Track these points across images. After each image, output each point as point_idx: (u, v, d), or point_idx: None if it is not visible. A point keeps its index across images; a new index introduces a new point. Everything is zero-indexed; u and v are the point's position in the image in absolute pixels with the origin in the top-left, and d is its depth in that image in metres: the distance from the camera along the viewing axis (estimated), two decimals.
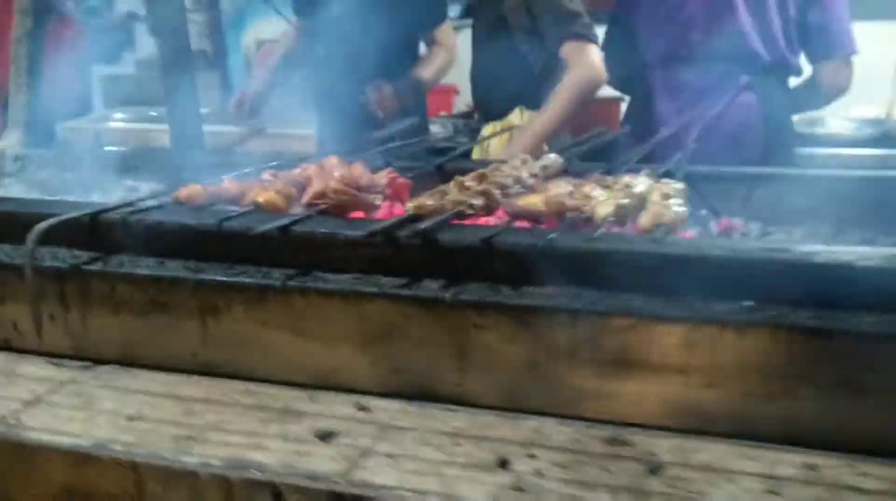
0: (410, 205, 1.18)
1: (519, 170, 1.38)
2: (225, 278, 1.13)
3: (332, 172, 1.37)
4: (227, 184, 1.39)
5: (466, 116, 4.23)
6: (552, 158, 1.49)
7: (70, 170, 1.82)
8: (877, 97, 3.90)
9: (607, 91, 2.67)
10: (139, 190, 1.74)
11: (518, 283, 1.05)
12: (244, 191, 1.34)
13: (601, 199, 1.17)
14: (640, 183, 1.27)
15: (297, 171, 1.48)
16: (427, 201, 1.20)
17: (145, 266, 1.18)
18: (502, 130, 2.29)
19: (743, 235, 1.39)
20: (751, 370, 0.92)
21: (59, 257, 1.23)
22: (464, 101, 4.48)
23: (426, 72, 2.80)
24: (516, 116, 2.42)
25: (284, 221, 1.15)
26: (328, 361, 1.11)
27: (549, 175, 1.44)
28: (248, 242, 1.16)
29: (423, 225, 1.09)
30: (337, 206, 1.25)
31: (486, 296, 1.03)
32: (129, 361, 1.21)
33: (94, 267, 1.20)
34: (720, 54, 2.18)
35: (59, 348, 1.24)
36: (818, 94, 2.33)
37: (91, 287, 1.20)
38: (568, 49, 2.22)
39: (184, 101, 2.41)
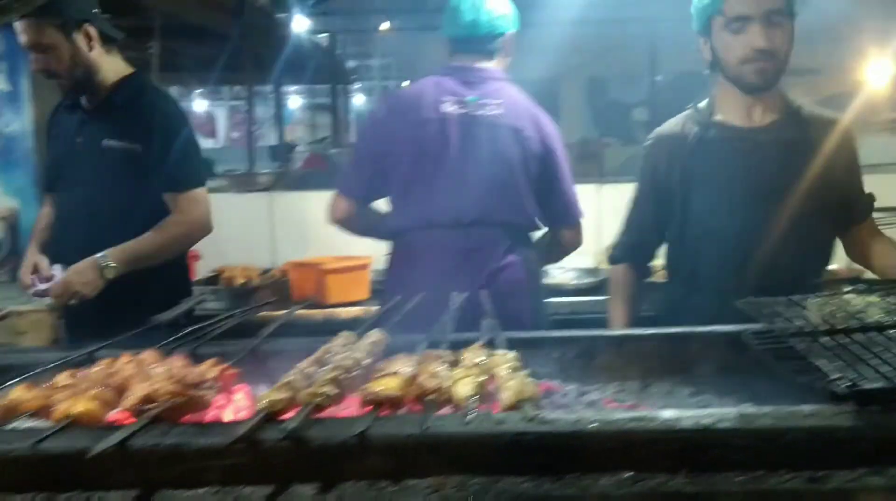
0: (263, 402, 1.10)
1: (352, 351, 1.35)
2: None
3: (151, 369, 1.25)
4: (20, 393, 1.20)
5: (211, 281, 4.10)
6: (378, 334, 1.48)
7: None
8: (588, 249, 4.43)
9: None
10: None
11: (397, 477, 1.01)
12: (49, 400, 1.17)
13: (457, 378, 1.18)
14: (479, 356, 1.30)
15: (97, 369, 1.33)
16: (277, 395, 1.12)
17: None
18: None
19: (563, 396, 1.47)
20: None
21: None
22: (207, 266, 4.34)
23: (135, 243, 2.43)
24: None
25: (118, 436, 1.01)
26: None
27: (377, 352, 1.43)
28: (73, 465, 1.01)
29: (289, 425, 1.02)
30: (171, 409, 1.13)
31: (374, 497, 0.97)
32: None
33: None
34: (484, 220, 2.37)
35: None
36: (559, 251, 2.66)
37: None
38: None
39: None
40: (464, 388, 1.15)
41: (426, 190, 2.39)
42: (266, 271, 4.11)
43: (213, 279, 4.06)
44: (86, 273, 2.34)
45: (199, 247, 4.31)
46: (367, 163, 2.49)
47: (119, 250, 2.39)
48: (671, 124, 2.21)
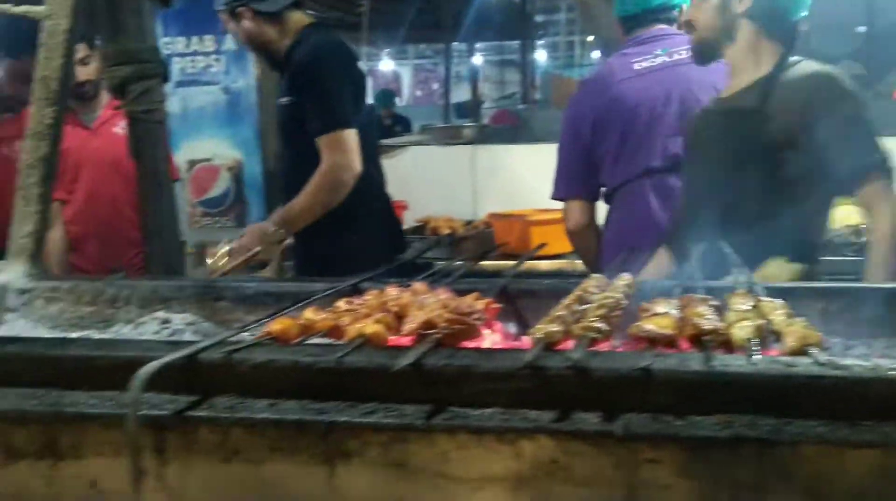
0: (540, 333, 1.14)
1: (611, 292, 1.37)
2: (361, 420, 1.05)
3: (424, 299, 1.32)
4: (311, 314, 1.31)
5: (417, 231, 4.25)
6: (629, 277, 1.48)
7: (88, 303, 1.69)
8: None
9: None
10: (173, 322, 1.63)
11: (681, 412, 1.02)
12: (339, 323, 1.27)
13: (733, 320, 1.17)
14: (746, 302, 1.27)
15: (370, 297, 1.43)
16: (551, 327, 1.16)
17: (262, 409, 1.08)
18: None
19: (827, 349, 1.41)
20: None
21: (153, 403, 1.11)
22: (413, 216, 4.51)
23: (290, 204, 2.62)
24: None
25: (413, 355, 1.08)
26: None
27: (630, 295, 1.43)
28: (372, 378, 1.09)
29: (573, 354, 1.05)
30: (450, 335, 1.20)
31: (661, 428, 0.99)
32: None
33: (202, 413, 1.09)
34: None
35: None
36: None
37: (197, 435, 1.08)
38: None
39: (164, 224, 2.33)
40: (742, 330, 1.13)
41: (640, 142, 2.38)
42: (469, 223, 4.21)
43: (418, 229, 4.22)
44: (254, 234, 2.54)
45: (404, 197, 4.51)
46: (579, 156, 2.49)
47: (279, 215, 2.61)
48: None
